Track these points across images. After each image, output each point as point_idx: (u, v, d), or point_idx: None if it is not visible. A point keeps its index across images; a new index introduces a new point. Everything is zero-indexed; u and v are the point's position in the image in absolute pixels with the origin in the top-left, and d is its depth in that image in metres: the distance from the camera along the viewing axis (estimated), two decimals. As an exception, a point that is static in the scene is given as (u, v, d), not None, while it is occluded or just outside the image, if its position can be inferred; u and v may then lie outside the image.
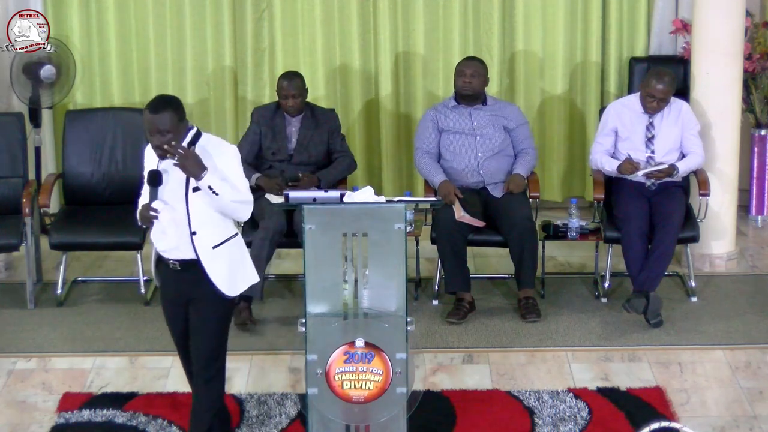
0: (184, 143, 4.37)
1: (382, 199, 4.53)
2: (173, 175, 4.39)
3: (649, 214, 6.15)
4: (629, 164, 6.18)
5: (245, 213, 4.45)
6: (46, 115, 7.16)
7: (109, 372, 5.63)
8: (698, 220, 6.33)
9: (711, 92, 6.58)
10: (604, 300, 6.33)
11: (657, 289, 5.99)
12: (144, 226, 4.50)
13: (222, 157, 4.42)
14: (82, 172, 6.63)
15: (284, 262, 6.85)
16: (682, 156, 6.30)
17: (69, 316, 6.24)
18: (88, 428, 5.11)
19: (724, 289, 6.50)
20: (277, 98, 6.51)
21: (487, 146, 6.38)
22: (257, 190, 6.37)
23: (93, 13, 7.34)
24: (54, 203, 6.88)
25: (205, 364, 4.51)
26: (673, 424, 4.60)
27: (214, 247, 4.43)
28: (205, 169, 4.30)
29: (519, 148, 6.46)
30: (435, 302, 6.34)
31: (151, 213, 4.37)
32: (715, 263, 6.78)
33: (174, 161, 4.32)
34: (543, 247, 6.34)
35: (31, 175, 6.71)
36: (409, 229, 5.25)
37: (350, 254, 4.42)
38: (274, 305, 6.33)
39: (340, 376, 4.42)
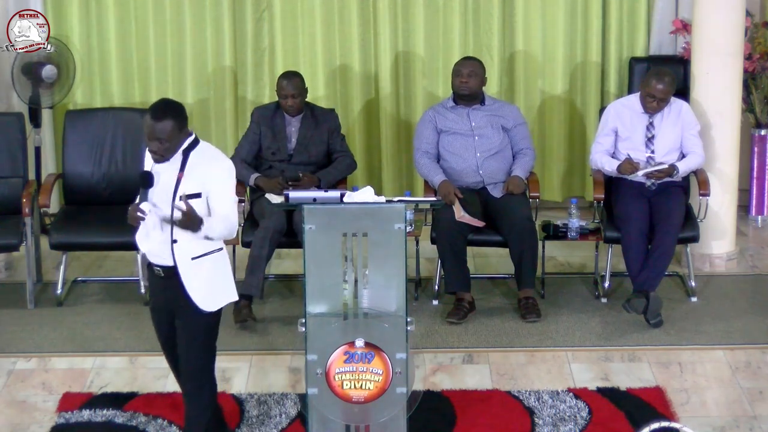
0: (181, 150, 4.36)
1: (382, 199, 4.53)
2: (163, 179, 4.38)
3: (649, 214, 6.15)
4: (629, 164, 6.18)
5: (231, 237, 4.46)
6: (46, 115, 7.17)
7: (109, 372, 5.63)
8: (698, 220, 6.33)
9: (711, 92, 6.59)
10: (604, 300, 6.33)
11: (657, 289, 5.99)
12: (132, 225, 4.49)
13: (214, 170, 4.38)
14: (82, 172, 6.63)
15: (284, 262, 6.85)
16: (682, 156, 6.30)
17: (69, 316, 6.24)
18: (88, 428, 5.11)
19: (724, 289, 6.51)
20: (277, 98, 6.51)
21: (486, 146, 6.37)
22: (257, 190, 6.38)
23: (93, 13, 7.34)
24: (54, 203, 6.88)
25: (192, 375, 4.51)
26: (673, 424, 4.60)
27: (193, 258, 4.40)
28: (201, 222, 4.30)
29: (517, 148, 6.46)
30: (435, 302, 6.34)
31: (139, 214, 4.36)
32: (715, 263, 6.78)
33: (174, 218, 4.31)
34: (543, 247, 6.35)
35: (31, 175, 6.71)
36: (409, 229, 5.26)
37: (350, 254, 4.42)
38: (274, 305, 6.33)
39: (340, 376, 4.41)
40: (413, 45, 7.41)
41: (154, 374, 5.57)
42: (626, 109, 6.35)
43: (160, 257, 4.43)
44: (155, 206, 4.37)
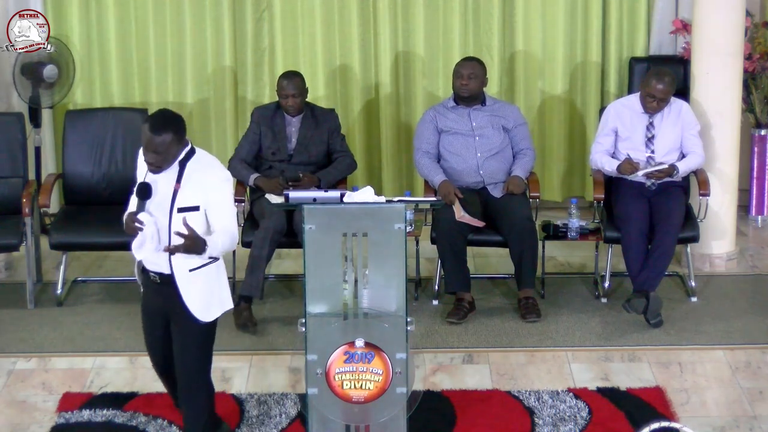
0: (177, 161, 4.35)
1: (382, 199, 4.53)
2: (160, 189, 4.38)
3: (649, 214, 6.15)
4: (629, 164, 6.18)
5: (233, 248, 4.48)
6: (46, 115, 7.16)
7: (109, 372, 5.63)
8: (698, 220, 6.33)
9: (711, 92, 6.58)
10: (604, 300, 6.33)
11: (657, 289, 5.99)
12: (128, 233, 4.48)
13: (211, 179, 4.38)
14: (82, 172, 6.63)
15: (284, 262, 6.85)
16: (682, 156, 6.30)
17: (69, 316, 6.24)
18: (88, 428, 5.11)
19: (724, 289, 6.50)
20: (277, 98, 6.51)
21: (487, 146, 6.37)
22: (257, 190, 6.38)
23: (93, 13, 7.34)
24: (54, 203, 6.88)
25: (188, 381, 4.54)
26: (673, 424, 4.60)
27: (191, 270, 4.41)
28: (205, 243, 4.30)
29: (517, 148, 6.46)
30: (435, 302, 6.34)
31: (136, 225, 4.35)
32: (715, 263, 6.78)
33: (177, 245, 4.31)
34: (543, 247, 6.34)
35: (31, 175, 6.71)
36: (409, 229, 5.26)
37: (350, 254, 4.42)
38: (274, 305, 6.33)
39: (340, 376, 4.41)
40: (413, 45, 7.41)
41: (154, 374, 5.52)
42: (626, 109, 6.35)
43: (157, 265, 4.44)
44: (152, 216, 4.36)
